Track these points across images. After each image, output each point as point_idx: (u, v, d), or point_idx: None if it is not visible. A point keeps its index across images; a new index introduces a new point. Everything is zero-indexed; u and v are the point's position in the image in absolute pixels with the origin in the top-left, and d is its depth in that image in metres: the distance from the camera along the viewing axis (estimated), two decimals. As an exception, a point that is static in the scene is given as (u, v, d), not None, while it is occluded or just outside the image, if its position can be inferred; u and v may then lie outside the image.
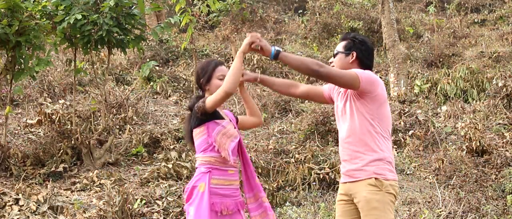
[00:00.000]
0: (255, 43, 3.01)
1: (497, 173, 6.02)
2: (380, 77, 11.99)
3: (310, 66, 2.89)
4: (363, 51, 3.14)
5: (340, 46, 3.20)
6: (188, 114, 3.20)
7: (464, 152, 6.61)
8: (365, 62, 3.15)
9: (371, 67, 3.18)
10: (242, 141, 3.23)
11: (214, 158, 3.04)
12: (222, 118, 3.12)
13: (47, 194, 5.58)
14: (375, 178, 2.94)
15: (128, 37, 6.77)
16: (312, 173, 5.95)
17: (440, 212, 5.04)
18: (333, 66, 3.18)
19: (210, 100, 2.99)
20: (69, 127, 7.10)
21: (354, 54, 3.13)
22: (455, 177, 5.97)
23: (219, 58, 12.68)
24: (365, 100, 2.99)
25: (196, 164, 3.12)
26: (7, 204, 5.35)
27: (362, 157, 2.98)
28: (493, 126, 7.68)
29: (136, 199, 5.53)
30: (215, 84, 3.11)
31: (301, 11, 16.75)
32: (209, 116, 3.04)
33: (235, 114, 3.37)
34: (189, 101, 3.24)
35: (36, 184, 6.18)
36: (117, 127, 8.07)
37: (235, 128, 3.18)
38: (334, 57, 3.22)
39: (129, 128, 7.84)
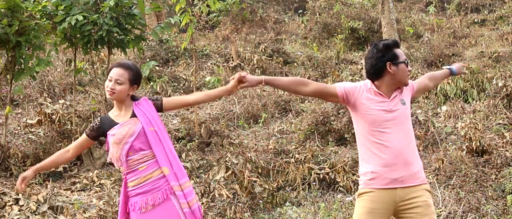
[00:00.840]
0: (242, 86, 3.08)
1: (497, 173, 6.02)
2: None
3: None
4: (392, 57, 3.10)
5: (401, 54, 3.08)
6: None
7: (464, 152, 6.60)
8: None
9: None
10: (148, 130, 3.13)
11: (121, 168, 3.19)
12: (115, 125, 3.14)
13: (47, 194, 5.58)
14: (426, 183, 3.08)
15: (128, 37, 6.78)
16: (312, 173, 5.94)
17: (440, 212, 5.03)
18: (409, 74, 3.12)
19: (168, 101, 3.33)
20: (69, 127, 7.10)
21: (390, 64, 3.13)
22: (455, 177, 5.97)
23: (219, 58, 12.68)
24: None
25: None
26: (7, 204, 5.36)
27: (416, 163, 3.05)
28: (493, 126, 7.68)
29: (136, 199, 5.52)
30: (105, 87, 3.20)
31: (301, 11, 16.75)
32: (101, 133, 3.19)
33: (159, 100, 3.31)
34: None
35: (36, 184, 6.18)
36: (117, 127, 8.06)
37: (136, 124, 3.13)
38: (406, 65, 3.09)
39: (129, 128, 7.83)
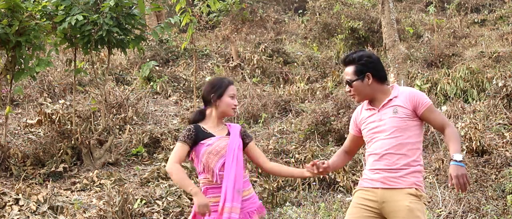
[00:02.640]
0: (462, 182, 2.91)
1: (497, 173, 6.02)
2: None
3: (459, 140, 3.14)
4: (375, 67, 3.11)
5: (351, 73, 3.10)
6: None
7: (464, 152, 6.60)
8: (381, 75, 3.13)
9: (386, 76, 3.17)
10: (235, 152, 3.16)
11: (208, 179, 3.13)
12: (210, 136, 3.15)
13: (47, 194, 5.58)
14: (415, 188, 2.99)
15: (128, 37, 6.78)
16: (312, 173, 5.93)
17: (440, 212, 5.03)
18: (353, 94, 3.14)
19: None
20: (69, 127, 7.10)
21: (370, 75, 3.09)
22: (455, 177, 5.96)
23: (219, 58, 12.68)
24: (418, 121, 3.08)
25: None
26: (7, 204, 5.35)
27: (406, 168, 3.01)
28: (493, 126, 7.68)
29: (136, 199, 5.53)
30: (226, 102, 3.19)
31: (301, 11, 16.76)
32: (193, 141, 3.12)
33: (243, 129, 3.35)
34: (191, 115, 3.33)
35: (36, 184, 6.18)
36: (117, 127, 8.07)
37: (233, 145, 3.16)
38: (349, 86, 3.12)
39: (129, 128, 7.84)
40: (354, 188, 3.31)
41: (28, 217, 5.22)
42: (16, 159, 6.53)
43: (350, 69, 3.11)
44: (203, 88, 3.26)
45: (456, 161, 2.86)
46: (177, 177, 3.05)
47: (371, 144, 3.11)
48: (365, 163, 3.26)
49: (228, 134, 3.21)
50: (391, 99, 3.07)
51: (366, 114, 3.18)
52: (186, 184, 3.03)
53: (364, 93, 3.11)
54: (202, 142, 3.11)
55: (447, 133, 3.01)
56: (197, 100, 8.46)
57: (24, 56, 6.41)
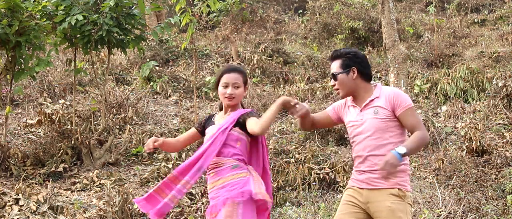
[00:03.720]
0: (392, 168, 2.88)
1: (497, 173, 6.02)
2: (380, 78, 11.93)
3: (423, 145, 3.11)
4: (361, 63, 3.14)
5: (336, 67, 3.16)
6: None
7: (464, 152, 6.60)
8: (366, 72, 3.16)
9: (371, 75, 3.19)
10: (216, 133, 3.18)
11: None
12: (212, 124, 3.30)
13: (47, 194, 5.58)
14: (398, 189, 3.00)
15: (128, 37, 6.78)
16: (312, 173, 5.94)
17: (440, 212, 5.03)
18: (337, 88, 3.17)
19: (259, 128, 3.06)
20: (69, 127, 7.10)
21: (355, 69, 3.12)
22: (455, 177, 5.97)
23: (219, 58, 12.68)
24: (398, 121, 3.07)
25: None
26: (7, 204, 5.35)
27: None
28: (493, 126, 7.67)
29: (136, 199, 5.52)
30: (220, 92, 3.22)
31: (301, 11, 16.75)
32: (203, 127, 3.37)
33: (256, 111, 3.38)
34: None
35: (36, 184, 6.18)
36: (117, 127, 8.07)
37: (219, 128, 3.18)
38: (334, 79, 3.17)
39: (129, 128, 7.84)
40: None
41: (28, 217, 5.22)
42: (16, 159, 6.53)
43: (336, 63, 3.17)
44: None
45: (397, 151, 2.85)
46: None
47: (355, 145, 3.15)
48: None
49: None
50: (372, 100, 3.10)
51: (350, 111, 3.21)
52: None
53: (348, 87, 3.14)
54: (206, 130, 3.29)
55: (414, 134, 3.00)
56: (197, 100, 8.46)
57: (24, 56, 6.41)
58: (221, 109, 3.35)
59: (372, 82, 3.19)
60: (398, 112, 3.03)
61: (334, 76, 3.16)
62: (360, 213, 3.09)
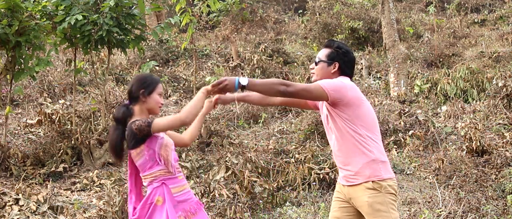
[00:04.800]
0: (220, 86, 2.92)
1: (497, 173, 6.02)
2: (380, 77, 11.93)
3: (276, 88, 2.88)
4: (346, 62, 3.16)
5: (323, 54, 3.19)
6: (115, 125, 3.08)
7: (464, 152, 6.61)
8: (346, 71, 3.18)
9: (352, 76, 3.21)
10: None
11: (163, 171, 3.04)
12: None
13: (47, 194, 5.58)
14: (372, 181, 2.97)
15: (128, 37, 6.78)
16: (312, 173, 5.94)
17: (440, 212, 5.03)
18: (313, 73, 3.21)
19: (158, 124, 2.92)
20: (69, 127, 7.10)
21: (337, 64, 3.15)
22: (455, 177, 5.97)
23: (219, 58, 12.68)
24: (339, 108, 2.99)
25: (146, 184, 3.08)
26: (7, 204, 5.35)
27: (354, 163, 3.02)
28: (493, 126, 7.68)
29: (136, 199, 5.52)
30: (154, 99, 3.10)
31: (301, 11, 16.76)
32: (147, 134, 2.99)
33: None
34: (116, 111, 3.09)
35: (36, 184, 6.18)
36: (117, 127, 8.06)
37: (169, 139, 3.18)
38: (315, 64, 3.21)
39: (129, 128, 7.83)
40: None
41: (28, 217, 5.22)
42: (16, 159, 6.53)
43: (324, 51, 3.21)
44: (131, 84, 3.12)
45: (238, 78, 2.86)
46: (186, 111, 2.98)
47: (329, 142, 3.21)
48: None
49: None
50: None
51: (322, 104, 3.22)
52: (193, 103, 2.99)
53: (322, 76, 3.16)
54: (156, 134, 3.01)
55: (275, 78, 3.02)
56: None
57: (24, 56, 6.41)
58: (130, 115, 3.12)
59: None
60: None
61: (316, 62, 3.22)
62: (349, 207, 3.16)
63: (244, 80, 2.86)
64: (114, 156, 3.08)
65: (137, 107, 3.09)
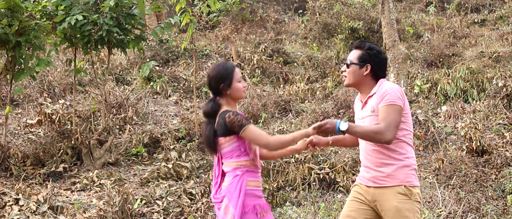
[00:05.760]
0: (321, 129, 2.97)
1: (497, 173, 6.02)
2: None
3: (374, 137, 2.92)
4: (378, 63, 3.11)
5: (354, 56, 3.13)
6: (206, 121, 3.15)
7: (464, 152, 6.60)
8: (379, 73, 3.13)
9: (384, 76, 3.16)
10: None
11: (249, 162, 3.10)
12: None
13: (47, 194, 5.58)
14: (404, 186, 2.96)
15: (128, 37, 6.78)
16: (312, 173, 5.94)
17: (440, 212, 5.03)
18: (345, 77, 3.17)
19: (248, 133, 3.00)
20: (69, 127, 7.10)
21: (369, 66, 3.09)
22: (455, 177, 5.97)
23: (219, 58, 12.68)
24: None
25: (228, 169, 3.11)
26: (7, 204, 5.35)
27: (388, 165, 2.99)
28: (493, 126, 7.67)
29: (136, 199, 5.53)
30: (236, 88, 3.14)
31: (301, 11, 16.75)
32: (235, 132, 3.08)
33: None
34: (205, 107, 3.19)
35: (36, 184, 6.18)
36: (117, 127, 8.07)
37: None
38: (347, 67, 3.15)
39: (129, 128, 7.84)
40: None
41: (28, 217, 5.22)
42: (16, 159, 6.53)
43: (355, 53, 3.15)
44: (208, 80, 3.18)
45: (339, 122, 2.90)
46: (279, 140, 3.07)
47: (360, 141, 3.16)
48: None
49: None
50: (370, 96, 3.10)
51: (357, 107, 3.25)
52: (288, 137, 3.06)
53: (355, 79, 3.13)
54: None
55: (372, 125, 2.99)
56: (197, 100, 8.45)
57: (24, 56, 6.41)
58: (218, 108, 3.18)
59: (381, 80, 3.15)
60: (380, 105, 2.99)
61: (348, 65, 3.15)
62: (368, 210, 3.08)
63: (344, 126, 2.88)
64: (209, 150, 3.19)
65: (223, 100, 3.15)
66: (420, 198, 3.03)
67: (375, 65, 3.10)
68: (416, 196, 2.98)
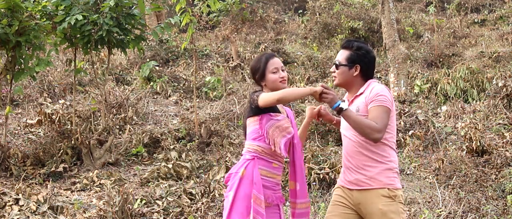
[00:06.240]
0: (326, 94, 2.94)
1: (497, 173, 6.02)
2: (380, 78, 11.93)
3: (366, 132, 2.87)
4: (367, 63, 3.08)
5: (343, 57, 3.09)
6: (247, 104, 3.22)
7: (464, 152, 6.61)
8: (368, 73, 3.11)
9: (373, 76, 3.14)
10: (298, 139, 3.25)
11: (261, 148, 3.09)
12: (278, 112, 3.15)
13: (47, 194, 5.58)
14: (388, 189, 2.94)
15: (128, 37, 6.78)
16: (312, 173, 5.94)
17: (440, 212, 5.03)
18: (335, 77, 3.14)
19: (262, 99, 3.01)
20: (69, 127, 7.10)
21: (358, 67, 3.06)
22: (455, 177, 5.97)
23: (219, 58, 12.68)
24: None
25: (243, 151, 3.17)
26: (7, 204, 5.35)
27: (370, 168, 2.97)
28: (493, 126, 7.68)
29: (136, 199, 5.52)
30: (270, 79, 3.15)
31: (301, 11, 16.75)
32: (264, 109, 3.07)
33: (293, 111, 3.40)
34: (250, 98, 3.21)
35: (36, 184, 6.18)
36: (117, 127, 8.07)
37: (291, 123, 3.20)
38: (336, 68, 3.11)
39: (129, 128, 7.84)
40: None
41: (28, 217, 5.22)
42: (16, 159, 6.53)
43: (344, 54, 3.11)
44: (250, 74, 3.27)
45: (340, 101, 2.90)
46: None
47: (343, 142, 3.14)
48: None
49: (287, 116, 3.22)
50: (357, 96, 3.07)
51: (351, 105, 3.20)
52: (299, 89, 3.07)
53: (344, 80, 3.11)
54: (272, 114, 3.10)
55: (368, 120, 2.95)
56: (197, 100, 8.44)
57: (24, 56, 6.41)
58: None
59: (370, 80, 3.12)
60: (369, 106, 2.96)
61: (336, 66, 3.11)
62: (351, 214, 3.05)
63: (344, 105, 2.89)
64: (244, 135, 3.24)
65: (264, 91, 3.18)
66: (403, 199, 3.02)
67: (365, 65, 3.07)
68: (400, 197, 2.97)
